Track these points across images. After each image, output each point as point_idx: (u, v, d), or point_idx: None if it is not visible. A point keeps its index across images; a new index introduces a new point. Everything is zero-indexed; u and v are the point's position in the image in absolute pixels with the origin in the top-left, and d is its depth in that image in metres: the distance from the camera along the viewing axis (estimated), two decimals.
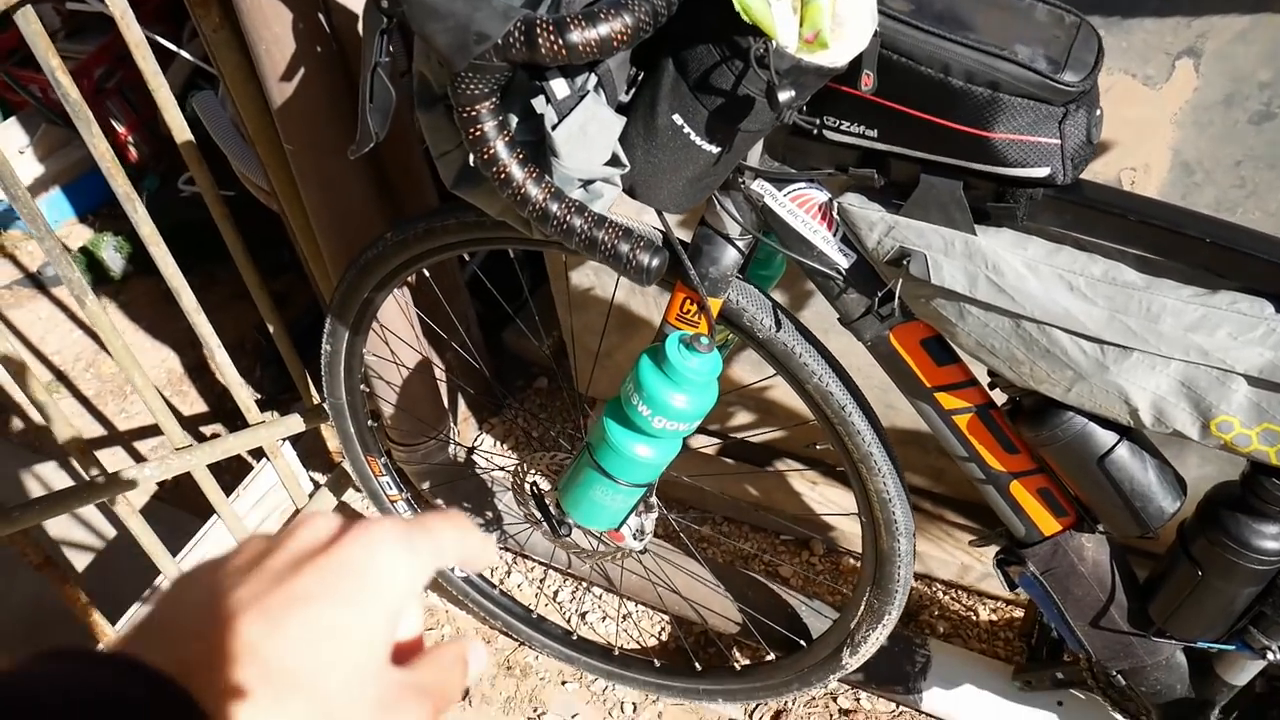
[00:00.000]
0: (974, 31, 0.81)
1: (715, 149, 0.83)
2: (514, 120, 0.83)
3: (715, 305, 1.07)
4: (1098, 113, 0.85)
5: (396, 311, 1.54)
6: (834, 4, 0.75)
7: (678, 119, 0.82)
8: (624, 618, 1.70)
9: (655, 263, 0.80)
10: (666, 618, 1.69)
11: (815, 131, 0.90)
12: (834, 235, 0.99)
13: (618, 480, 1.10)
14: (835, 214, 0.97)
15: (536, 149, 0.82)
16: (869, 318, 1.01)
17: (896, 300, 0.97)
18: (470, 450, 1.87)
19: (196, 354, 2.43)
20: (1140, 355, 0.87)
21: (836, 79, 0.84)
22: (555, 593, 1.77)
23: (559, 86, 0.79)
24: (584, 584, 1.77)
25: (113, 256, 2.64)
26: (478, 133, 0.78)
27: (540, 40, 0.72)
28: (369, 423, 1.53)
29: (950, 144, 0.85)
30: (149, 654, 0.30)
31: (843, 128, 0.89)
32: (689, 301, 1.07)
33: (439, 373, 1.74)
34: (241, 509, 1.72)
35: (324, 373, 1.45)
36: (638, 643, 1.68)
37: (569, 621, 1.71)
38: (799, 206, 0.98)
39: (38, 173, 2.83)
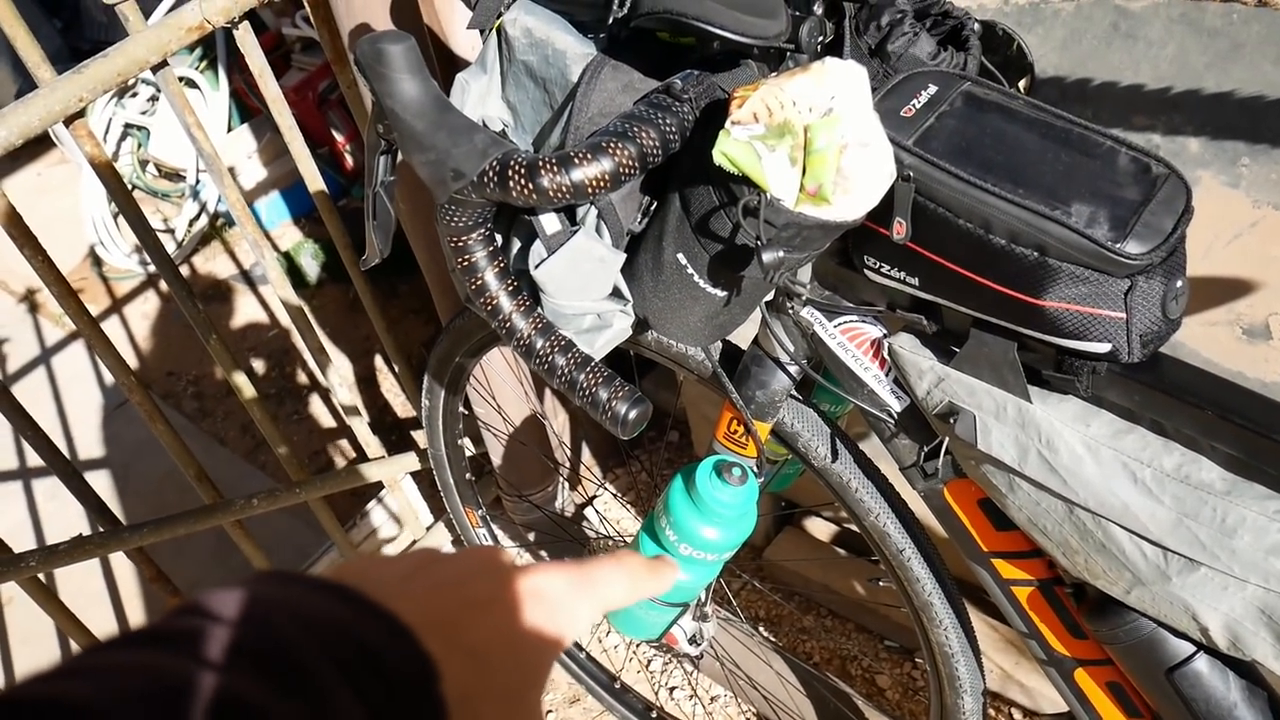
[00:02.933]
0: (1027, 182, 0.70)
1: (721, 293, 0.77)
2: (516, 245, 0.80)
3: (763, 429, 0.99)
4: (1179, 284, 0.71)
5: (503, 365, 1.54)
6: (839, 156, 0.67)
7: (681, 258, 0.76)
8: (711, 700, 1.64)
9: (633, 415, 0.75)
10: (754, 709, 1.61)
11: (859, 269, 0.82)
12: (886, 375, 0.89)
13: (653, 598, 1.05)
14: (887, 353, 0.88)
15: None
16: (920, 469, 0.91)
17: (942, 458, 0.87)
18: (581, 507, 1.86)
19: (369, 363, 2.55)
20: (1209, 571, 0.73)
21: (872, 218, 0.76)
22: (649, 660, 1.73)
23: (548, 222, 0.75)
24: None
25: (309, 263, 2.82)
26: (465, 263, 0.76)
27: (511, 182, 0.68)
28: (466, 476, 1.54)
29: (995, 305, 0.74)
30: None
31: (883, 270, 0.80)
32: (736, 422, 1.01)
33: (556, 423, 1.74)
34: (357, 537, 1.79)
35: (425, 425, 1.47)
36: None
37: (656, 694, 1.67)
38: (849, 340, 0.89)
39: (260, 177, 3.07)
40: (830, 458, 1.00)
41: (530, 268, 0.75)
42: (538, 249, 0.75)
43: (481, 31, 0.83)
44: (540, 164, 0.68)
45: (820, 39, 0.75)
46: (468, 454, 1.53)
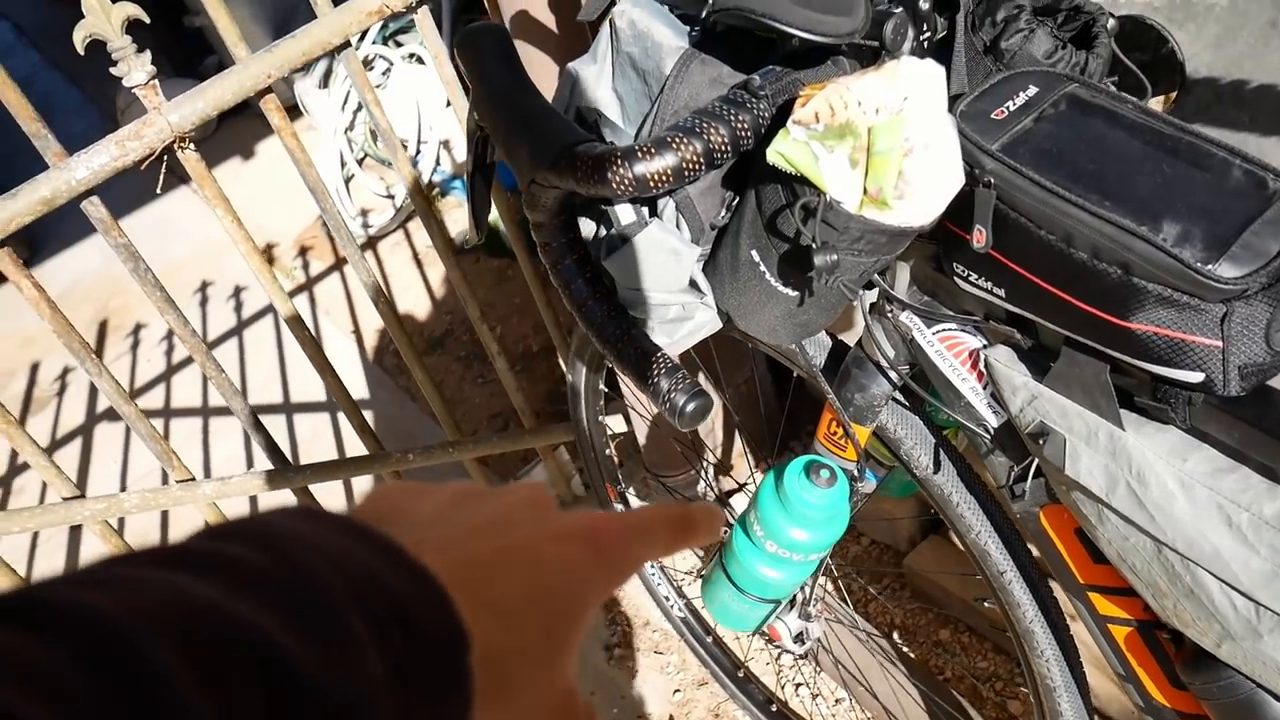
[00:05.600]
0: (1117, 193, 0.66)
1: (793, 293, 0.76)
2: (601, 232, 0.82)
3: (862, 433, 0.97)
4: None
5: None
6: (902, 159, 0.65)
7: (755, 255, 0.76)
8: (835, 702, 1.62)
9: (690, 407, 0.75)
10: (871, 716, 1.58)
11: (952, 277, 0.79)
12: (983, 389, 0.85)
13: (743, 591, 1.05)
14: (983, 365, 0.84)
15: None
16: (1010, 489, 0.86)
17: (1034, 479, 0.83)
18: (726, 495, 1.87)
19: (547, 337, 2.65)
20: None
21: (955, 224, 0.73)
22: (780, 653, 1.73)
23: (624, 212, 0.76)
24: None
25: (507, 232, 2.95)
26: (546, 246, 0.79)
27: (577, 172, 0.70)
28: (607, 452, 1.59)
29: (1081, 324, 0.70)
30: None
31: (971, 279, 0.77)
32: (835, 424, 0.99)
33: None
34: None
35: (569, 401, 1.52)
36: None
37: (782, 689, 1.66)
38: (948, 348, 0.86)
39: None
40: (932, 468, 0.97)
41: (601, 256, 0.77)
42: (611, 240, 0.77)
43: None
44: (608, 156, 0.70)
45: (907, 37, 0.72)
46: (609, 432, 1.57)
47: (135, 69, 1.21)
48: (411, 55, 3.41)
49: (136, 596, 0.22)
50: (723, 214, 0.80)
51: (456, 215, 3.35)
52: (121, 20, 1.19)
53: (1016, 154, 0.69)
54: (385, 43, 3.52)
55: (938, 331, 0.87)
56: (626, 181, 0.68)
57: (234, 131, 4.07)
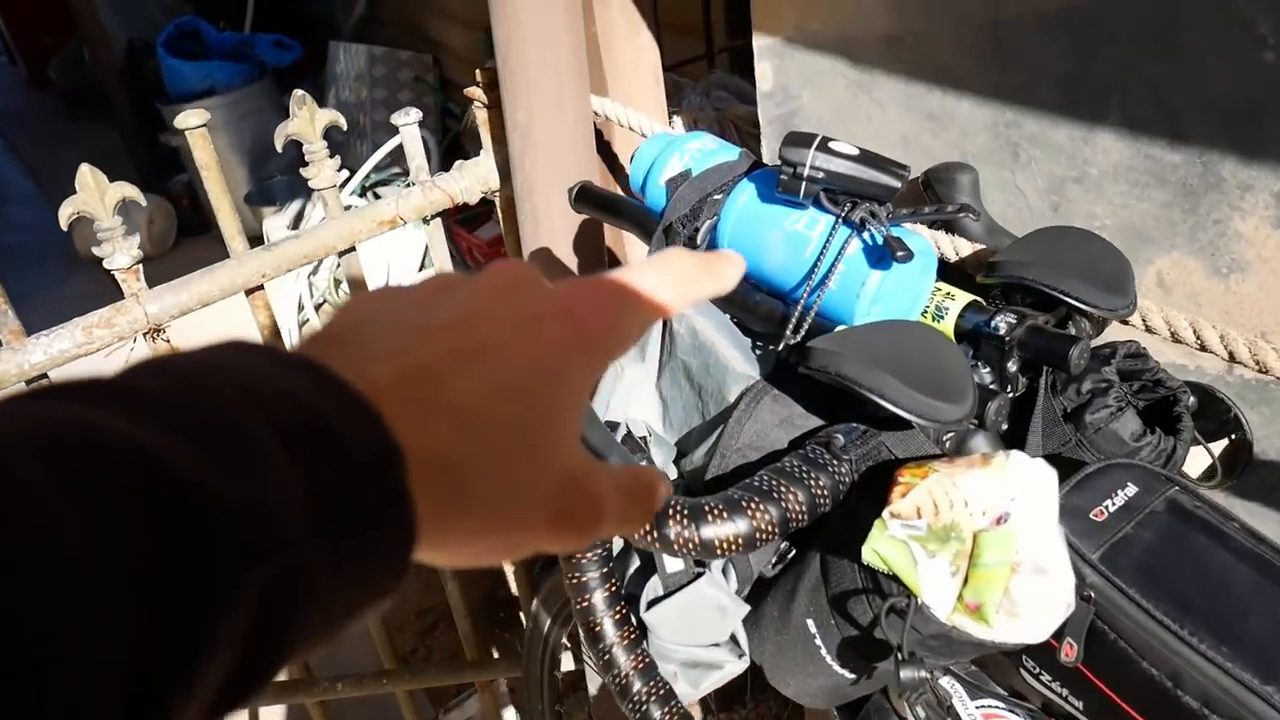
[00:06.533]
0: (1233, 637, 0.59)
1: (848, 675, 0.67)
2: (634, 564, 0.73)
3: None
4: None
5: None
6: (1009, 576, 0.58)
7: (811, 625, 0.68)
8: None
9: None
10: None
11: (1015, 666, 0.71)
12: None
13: None
14: None
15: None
16: None
17: None
18: None
19: None
20: None
21: None
22: None
23: (670, 559, 0.68)
24: None
25: None
26: (574, 580, 0.70)
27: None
28: (556, 707, 1.46)
29: None
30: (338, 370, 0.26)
31: (1042, 679, 0.69)
32: None
33: None
34: None
35: (525, 643, 1.40)
36: None
37: None
38: None
39: None
40: None
41: (641, 608, 0.68)
42: (653, 585, 0.68)
43: None
44: (670, 509, 0.62)
45: (1006, 415, 0.67)
46: (561, 673, 1.45)
47: (120, 251, 1.11)
48: None
49: (9, 421, 0.20)
50: (774, 564, 0.72)
51: None
52: (116, 201, 1.10)
53: (1118, 567, 0.63)
54: (364, 194, 3.48)
55: (981, 705, 0.78)
56: (692, 545, 0.60)
57: (193, 251, 3.96)
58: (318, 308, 3.47)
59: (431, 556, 0.28)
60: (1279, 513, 0.86)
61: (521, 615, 1.82)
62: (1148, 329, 0.77)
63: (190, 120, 1.10)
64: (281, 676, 1.45)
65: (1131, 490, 0.67)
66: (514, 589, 2.07)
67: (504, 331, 0.30)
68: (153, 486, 0.19)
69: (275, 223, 3.61)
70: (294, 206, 3.55)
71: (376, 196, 3.52)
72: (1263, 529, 0.65)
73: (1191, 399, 0.78)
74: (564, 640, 1.38)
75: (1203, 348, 0.76)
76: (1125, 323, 0.79)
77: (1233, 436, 0.84)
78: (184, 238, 4.15)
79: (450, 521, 0.27)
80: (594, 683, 1.60)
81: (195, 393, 0.22)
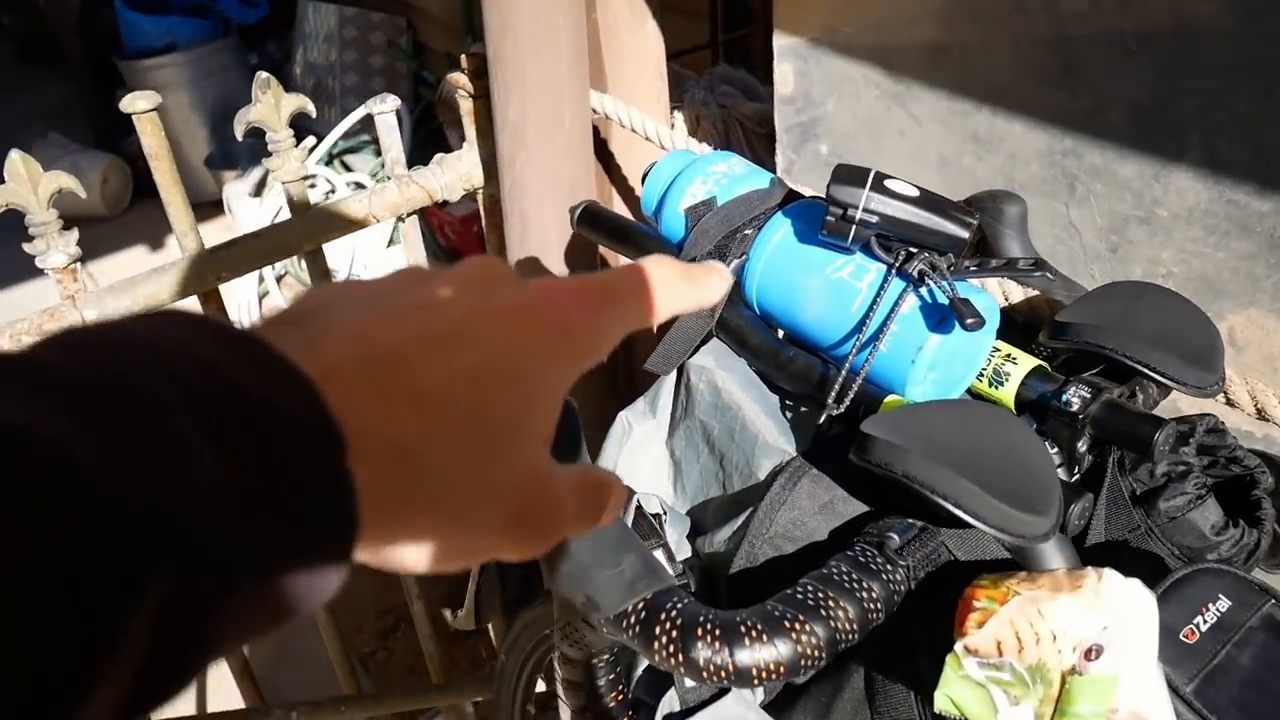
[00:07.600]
0: None
1: None
2: (643, 666, 0.63)
3: None
4: None
5: None
6: None
7: None
8: None
9: None
10: None
11: None
12: None
13: None
14: None
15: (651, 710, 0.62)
16: None
17: None
18: None
19: None
20: None
21: None
22: None
23: None
24: None
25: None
26: (570, 683, 0.60)
27: (656, 642, 0.52)
28: None
29: None
30: (286, 349, 0.24)
31: None
32: None
33: None
34: None
35: (494, 683, 1.31)
36: None
37: None
38: None
39: None
40: None
41: None
42: (670, 700, 0.59)
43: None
44: (699, 627, 0.52)
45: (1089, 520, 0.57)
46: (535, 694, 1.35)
47: (55, 249, 0.99)
48: (357, 185, 3.23)
49: None
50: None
51: None
52: (51, 193, 0.98)
53: (1216, 705, 0.54)
54: (330, 163, 3.33)
55: None
56: (725, 673, 0.51)
57: (148, 213, 3.78)
58: (279, 279, 3.32)
59: (378, 557, 0.26)
60: None
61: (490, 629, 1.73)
62: (1229, 403, 0.68)
63: (138, 104, 0.98)
64: (233, 704, 1.35)
65: (1224, 604, 0.58)
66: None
67: (480, 318, 0.28)
68: (31, 478, 0.18)
69: (236, 188, 3.45)
70: (256, 172, 3.38)
71: (345, 166, 3.36)
72: None
73: (1269, 479, 0.70)
74: (538, 675, 1.28)
75: None
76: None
77: None
78: (139, 199, 3.97)
79: (401, 516, 0.25)
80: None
81: (104, 369, 0.21)
